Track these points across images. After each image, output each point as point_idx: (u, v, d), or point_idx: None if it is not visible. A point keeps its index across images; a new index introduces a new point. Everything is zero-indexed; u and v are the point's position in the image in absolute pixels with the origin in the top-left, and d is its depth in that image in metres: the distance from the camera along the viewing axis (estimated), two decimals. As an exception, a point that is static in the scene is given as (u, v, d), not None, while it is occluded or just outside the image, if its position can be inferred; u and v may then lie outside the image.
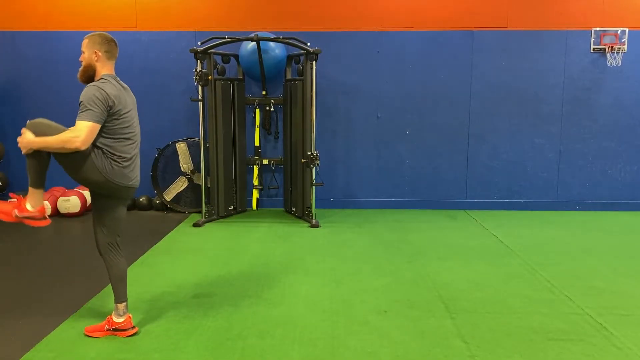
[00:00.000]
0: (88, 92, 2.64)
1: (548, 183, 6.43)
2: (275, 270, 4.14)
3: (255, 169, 6.39)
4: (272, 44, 5.83)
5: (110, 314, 2.97)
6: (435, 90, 6.33)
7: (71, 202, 5.97)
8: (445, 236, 5.20)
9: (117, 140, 2.79)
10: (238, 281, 3.88)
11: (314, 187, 5.71)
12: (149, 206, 6.39)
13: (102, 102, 2.65)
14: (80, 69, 2.83)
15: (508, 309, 3.36)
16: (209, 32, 5.97)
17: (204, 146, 5.77)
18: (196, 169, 6.20)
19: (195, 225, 5.61)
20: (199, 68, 5.53)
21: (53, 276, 4.01)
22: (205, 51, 5.59)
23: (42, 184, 2.81)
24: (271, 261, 4.38)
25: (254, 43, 5.68)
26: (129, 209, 6.38)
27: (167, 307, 3.36)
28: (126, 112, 2.82)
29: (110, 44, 2.83)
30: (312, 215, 5.73)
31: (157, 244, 4.91)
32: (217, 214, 5.94)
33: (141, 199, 6.37)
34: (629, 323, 3.15)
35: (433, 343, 2.89)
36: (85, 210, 6.11)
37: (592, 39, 6.16)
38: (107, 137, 2.75)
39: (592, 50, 6.20)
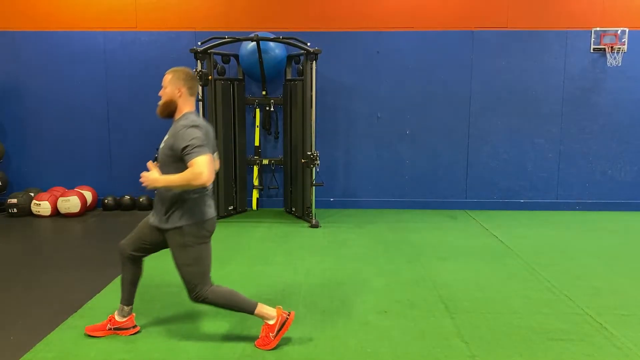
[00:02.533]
0: (188, 134, 2.57)
1: (548, 183, 6.43)
2: (275, 270, 4.13)
3: (255, 169, 6.39)
4: (272, 44, 5.83)
5: (113, 313, 2.96)
6: (435, 90, 6.33)
7: (71, 202, 5.97)
8: (445, 236, 5.20)
9: None
10: (238, 281, 3.88)
11: (314, 187, 5.71)
12: (149, 206, 6.38)
13: (205, 137, 2.63)
14: (161, 103, 2.77)
15: (508, 309, 3.36)
16: (209, 32, 5.97)
17: (204, 146, 5.76)
18: (196, 169, 6.19)
19: (195, 225, 5.60)
20: (199, 68, 5.53)
21: (53, 276, 4.01)
22: (205, 51, 5.58)
23: (253, 305, 2.79)
24: (271, 261, 4.38)
25: (254, 43, 5.68)
26: (129, 209, 6.38)
27: (167, 307, 3.37)
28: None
29: (193, 80, 2.79)
30: (312, 215, 5.73)
31: (157, 244, 4.90)
32: (217, 214, 5.93)
33: (141, 199, 6.37)
34: (629, 323, 3.15)
35: (433, 343, 2.89)
36: (85, 210, 6.12)
37: (592, 39, 6.15)
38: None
39: (592, 50, 6.20)
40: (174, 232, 2.69)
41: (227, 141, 5.97)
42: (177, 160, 2.64)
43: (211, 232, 2.79)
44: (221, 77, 5.95)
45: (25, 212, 6.08)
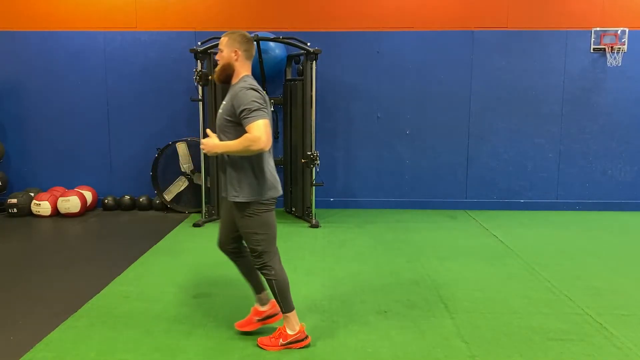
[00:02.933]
0: (248, 96, 2.55)
1: (548, 183, 6.43)
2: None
3: (255, 169, 6.37)
4: (272, 44, 5.83)
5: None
6: (435, 90, 6.33)
7: (71, 202, 5.97)
8: (445, 236, 5.20)
9: None
10: (238, 281, 3.87)
11: (314, 187, 5.71)
12: (149, 206, 6.39)
13: (264, 101, 2.60)
14: (218, 68, 2.72)
15: (508, 309, 3.36)
16: (209, 32, 5.97)
17: (204, 146, 5.76)
18: (196, 169, 6.20)
19: (196, 225, 5.61)
20: (199, 68, 5.53)
21: (53, 276, 4.01)
22: (205, 51, 5.58)
23: (292, 306, 2.82)
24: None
25: (254, 43, 5.67)
26: (129, 209, 6.38)
27: (167, 307, 3.36)
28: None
29: (249, 43, 2.73)
30: (312, 215, 5.73)
31: (157, 244, 4.91)
32: (217, 214, 5.93)
33: (141, 199, 6.37)
34: (629, 323, 3.15)
35: (433, 343, 2.89)
36: (85, 210, 6.12)
37: (592, 39, 6.16)
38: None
39: (592, 50, 6.20)
40: (241, 203, 2.67)
41: (227, 141, 5.97)
42: (236, 125, 2.60)
43: (275, 200, 2.76)
44: (221, 77, 5.94)
45: (25, 212, 6.08)
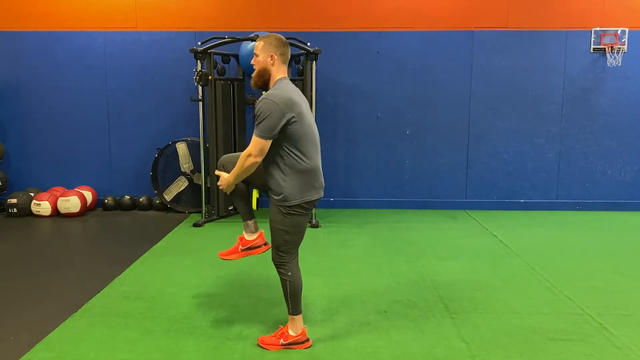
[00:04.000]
0: (263, 107, 2.57)
1: (548, 183, 6.43)
2: (275, 270, 4.12)
3: (255, 169, 6.37)
4: (272, 44, 5.82)
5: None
6: (435, 90, 6.32)
7: (71, 202, 5.97)
8: (445, 236, 5.20)
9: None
10: (238, 281, 3.88)
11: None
12: (149, 206, 6.39)
13: (283, 108, 2.56)
14: (255, 73, 2.73)
15: (508, 309, 3.36)
16: (209, 32, 5.97)
17: (204, 146, 5.77)
18: (196, 169, 6.20)
19: (195, 225, 5.61)
20: (199, 68, 5.53)
21: (53, 276, 4.01)
22: (205, 51, 5.58)
23: (300, 309, 2.84)
24: (271, 261, 4.36)
25: (254, 43, 5.67)
26: (129, 209, 6.38)
27: (167, 307, 3.36)
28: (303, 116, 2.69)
29: (285, 46, 2.71)
30: (312, 215, 5.73)
31: (157, 244, 4.91)
32: (217, 214, 5.94)
33: (141, 199, 6.37)
34: (629, 323, 3.15)
35: (433, 343, 2.89)
36: (85, 210, 6.12)
37: (592, 39, 6.15)
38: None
39: (592, 50, 6.20)
40: (278, 201, 2.69)
41: (227, 141, 5.97)
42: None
43: (313, 203, 2.76)
44: (221, 77, 5.95)
45: (25, 212, 6.08)
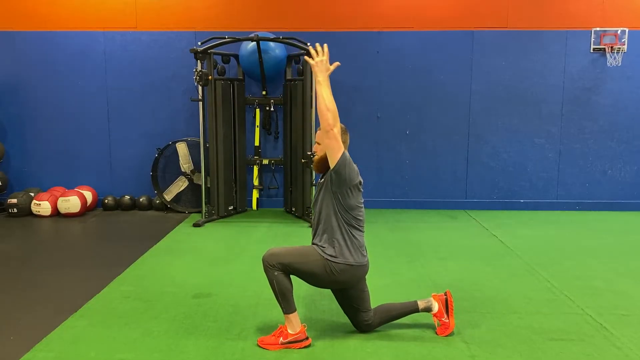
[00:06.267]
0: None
1: (548, 183, 6.43)
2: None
3: (255, 169, 6.39)
4: (272, 44, 5.83)
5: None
6: (435, 90, 6.32)
7: (71, 202, 5.97)
8: (445, 236, 5.20)
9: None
10: (238, 281, 3.88)
11: (313, 187, 5.71)
12: (149, 206, 6.39)
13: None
14: (316, 158, 2.98)
15: (508, 309, 3.36)
16: (209, 32, 5.96)
17: (204, 146, 5.77)
18: (196, 169, 6.20)
19: (195, 225, 5.61)
20: (199, 68, 5.53)
21: (53, 276, 4.01)
22: (205, 51, 5.58)
23: (293, 308, 2.83)
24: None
25: (254, 43, 5.68)
26: (129, 209, 6.38)
27: (167, 307, 3.36)
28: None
29: (345, 134, 2.97)
30: (312, 215, 5.72)
31: (157, 244, 4.90)
32: (217, 214, 5.94)
33: (141, 199, 6.37)
34: (629, 323, 3.15)
35: (433, 343, 2.89)
36: (85, 210, 6.12)
37: (592, 39, 6.15)
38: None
39: (592, 50, 6.19)
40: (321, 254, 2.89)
41: (227, 141, 5.98)
42: (333, 194, 2.94)
43: (347, 268, 2.95)
44: (221, 77, 5.95)
45: (25, 212, 6.08)
